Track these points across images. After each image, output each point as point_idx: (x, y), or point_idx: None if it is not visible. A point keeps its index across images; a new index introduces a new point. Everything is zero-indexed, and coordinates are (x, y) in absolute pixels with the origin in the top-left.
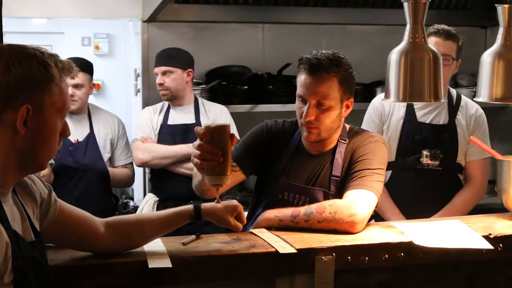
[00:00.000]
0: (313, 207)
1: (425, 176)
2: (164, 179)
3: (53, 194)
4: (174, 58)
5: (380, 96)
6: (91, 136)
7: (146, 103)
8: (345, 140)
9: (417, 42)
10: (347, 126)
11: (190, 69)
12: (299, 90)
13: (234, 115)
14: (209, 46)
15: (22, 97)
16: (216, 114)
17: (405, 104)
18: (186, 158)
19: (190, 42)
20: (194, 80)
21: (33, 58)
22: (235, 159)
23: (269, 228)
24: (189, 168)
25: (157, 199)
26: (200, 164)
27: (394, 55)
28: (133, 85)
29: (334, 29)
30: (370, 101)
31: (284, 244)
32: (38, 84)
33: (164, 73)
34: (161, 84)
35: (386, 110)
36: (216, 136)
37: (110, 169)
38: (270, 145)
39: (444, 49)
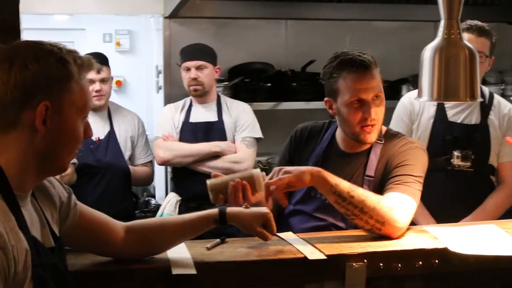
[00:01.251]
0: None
1: (455, 177)
2: (186, 179)
3: (73, 197)
4: (207, 53)
5: (409, 94)
6: (111, 134)
7: (168, 100)
8: (381, 141)
9: (452, 38)
10: (383, 128)
11: (219, 66)
12: (354, 94)
13: (257, 112)
14: (232, 43)
15: (40, 95)
16: (239, 111)
17: (435, 102)
18: (208, 157)
19: (212, 38)
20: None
21: (51, 54)
22: None
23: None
24: (211, 167)
25: (179, 198)
26: None
27: (428, 52)
28: (154, 82)
29: (358, 25)
30: (394, 99)
31: (313, 249)
32: (56, 81)
33: (198, 67)
34: (195, 79)
35: (416, 109)
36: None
37: (131, 167)
38: (300, 150)
39: (477, 45)
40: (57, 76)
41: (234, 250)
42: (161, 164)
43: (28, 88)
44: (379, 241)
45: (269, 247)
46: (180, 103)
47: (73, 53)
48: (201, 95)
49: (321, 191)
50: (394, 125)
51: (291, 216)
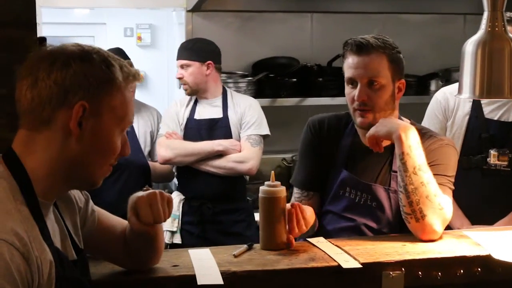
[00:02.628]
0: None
1: (492, 177)
2: (190, 178)
3: (91, 203)
4: (191, 50)
5: (443, 89)
6: (130, 129)
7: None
8: None
9: (496, 31)
10: (408, 122)
11: (210, 61)
12: (348, 73)
13: (281, 108)
14: (256, 37)
15: (79, 94)
16: (245, 107)
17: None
18: (211, 156)
19: (236, 32)
20: (240, 72)
21: (97, 55)
22: (305, 188)
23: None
24: (214, 166)
25: (183, 197)
26: None
27: (470, 46)
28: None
29: (386, 18)
30: (423, 94)
31: (347, 257)
32: (98, 82)
33: (182, 66)
34: (180, 79)
35: (450, 105)
36: None
37: (150, 163)
38: (325, 144)
39: None
40: (100, 77)
41: (263, 257)
42: (162, 163)
43: (68, 86)
44: (417, 247)
45: (300, 254)
46: (186, 98)
47: (120, 61)
48: (191, 94)
49: (396, 152)
50: (427, 122)
51: (321, 217)
